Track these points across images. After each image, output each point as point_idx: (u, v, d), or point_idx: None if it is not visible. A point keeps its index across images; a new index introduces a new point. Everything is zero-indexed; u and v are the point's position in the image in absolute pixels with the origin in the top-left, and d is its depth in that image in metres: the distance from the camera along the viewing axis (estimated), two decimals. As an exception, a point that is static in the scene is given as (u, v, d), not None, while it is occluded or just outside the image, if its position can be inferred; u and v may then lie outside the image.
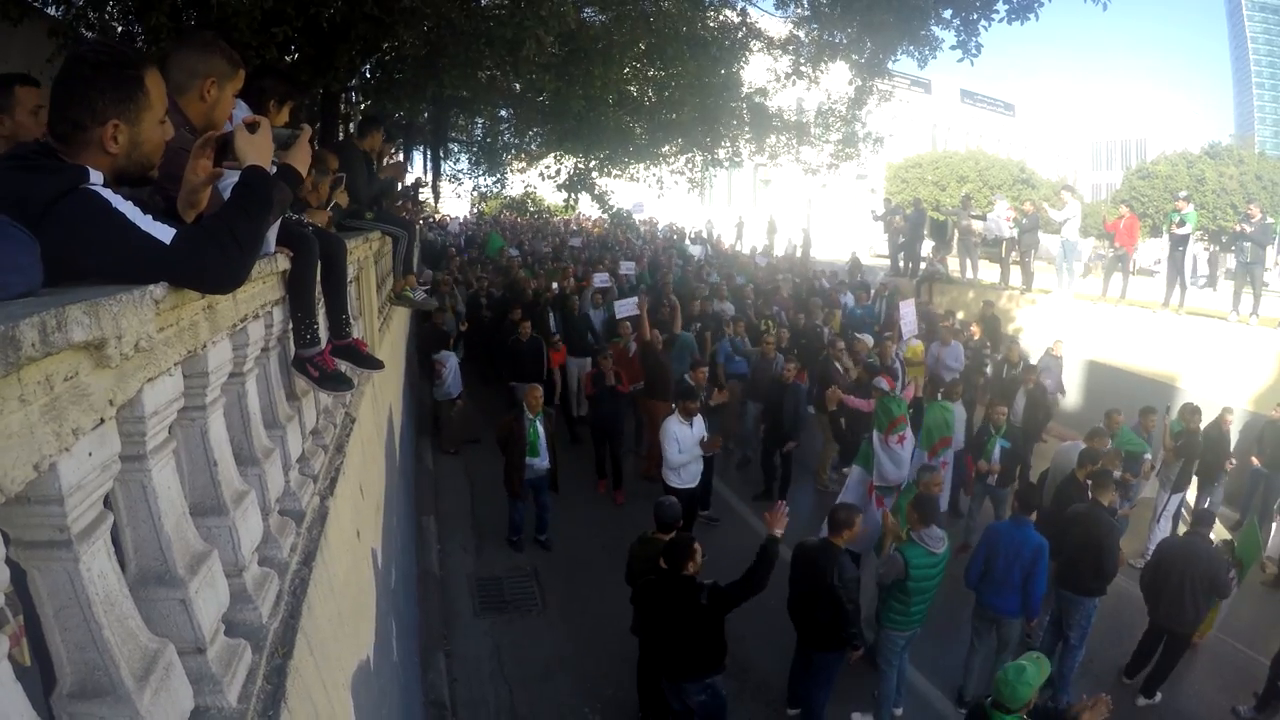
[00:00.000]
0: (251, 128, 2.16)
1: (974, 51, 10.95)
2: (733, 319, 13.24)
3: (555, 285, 14.83)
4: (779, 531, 5.40)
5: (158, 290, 1.53)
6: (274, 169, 2.22)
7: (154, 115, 1.81)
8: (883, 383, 8.49)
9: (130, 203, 1.63)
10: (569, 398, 12.70)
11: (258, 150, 2.12)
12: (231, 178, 2.05)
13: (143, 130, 1.78)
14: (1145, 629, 7.04)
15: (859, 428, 9.29)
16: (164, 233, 1.62)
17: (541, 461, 8.57)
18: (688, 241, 26.49)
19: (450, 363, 11.42)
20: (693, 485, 8.29)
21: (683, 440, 8.14)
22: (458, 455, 11.52)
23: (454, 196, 25.10)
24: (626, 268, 16.99)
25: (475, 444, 11.62)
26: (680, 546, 5.32)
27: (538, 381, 10.68)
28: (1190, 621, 6.70)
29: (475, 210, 31.45)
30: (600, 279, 14.71)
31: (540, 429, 8.52)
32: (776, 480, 10.15)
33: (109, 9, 8.28)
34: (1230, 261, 16.33)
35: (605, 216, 19.64)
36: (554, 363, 11.74)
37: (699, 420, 8.37)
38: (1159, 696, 6.86)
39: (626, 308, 11.61)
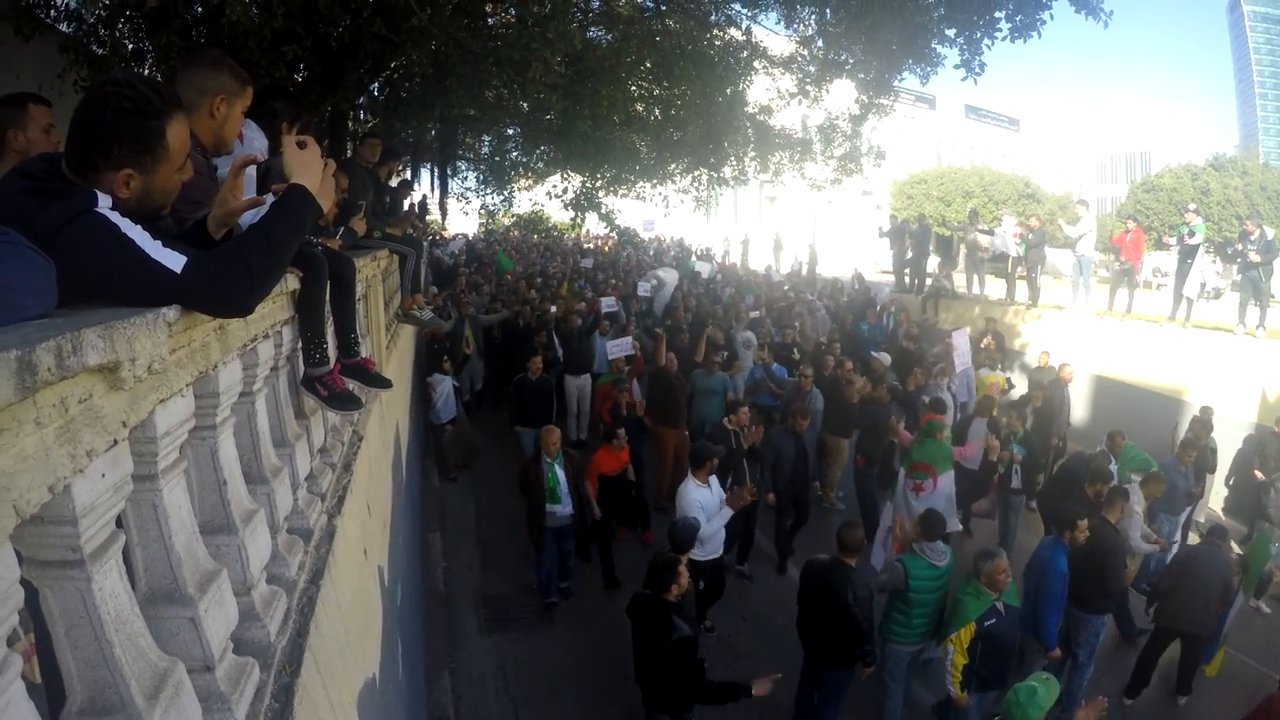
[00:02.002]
0: (301, 145, 2.13)
1: (977, 70, 11.01)
2: (754, 345, 12.46)
3: (553, 309, 13.94)
4: (759, 691, 5.10)
5: (170, 313, 1.54)
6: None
7: (172, 165, 1.78)
8: (935, 422, 7.88)
9: (139, 227, 1.61)
10: (566, 420, 11.92)
11: (306, 168, 2.09)
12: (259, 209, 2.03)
13: (157, 180, 1.76)
14: (1150, 640, 7.09)
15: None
16: (174, 260, 1.60)
17: (564, 508, 7.72)
18: (694, 259, 26.35)
19: (442, 387, 10.79)
20: (718, 555, 7.19)
21: (707, 506, 6.90)
22: (462, 472, 11.42)
23: (461, 214, 25.17)
24: (644, 289, 16.28)
25: (464, 469, 11.37)
26: (663, 568, 5.17)
27: (547, 423, 10.01)
28: (1208, 626, 6.84)
29: (482, 226, 31.46)
30: (607, 303, 13.80)
31: (560, 473, 7.69)
32: (792, 553, 8.96)
33: (120, 27, 8.38)
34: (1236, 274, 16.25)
35: (614, 235, 19.62)
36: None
37: (714, 478, 7.22)
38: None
39: (621, 347, 10.86)
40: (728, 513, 6.79)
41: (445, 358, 11.06)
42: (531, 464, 7.71)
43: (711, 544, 6.95)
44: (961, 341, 11.50)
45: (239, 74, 2.64)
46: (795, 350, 12.74)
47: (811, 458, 8.90)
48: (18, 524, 1.11)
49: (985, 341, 13.51)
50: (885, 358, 11.81)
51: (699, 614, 7.17)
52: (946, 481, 7.62)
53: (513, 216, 26.95)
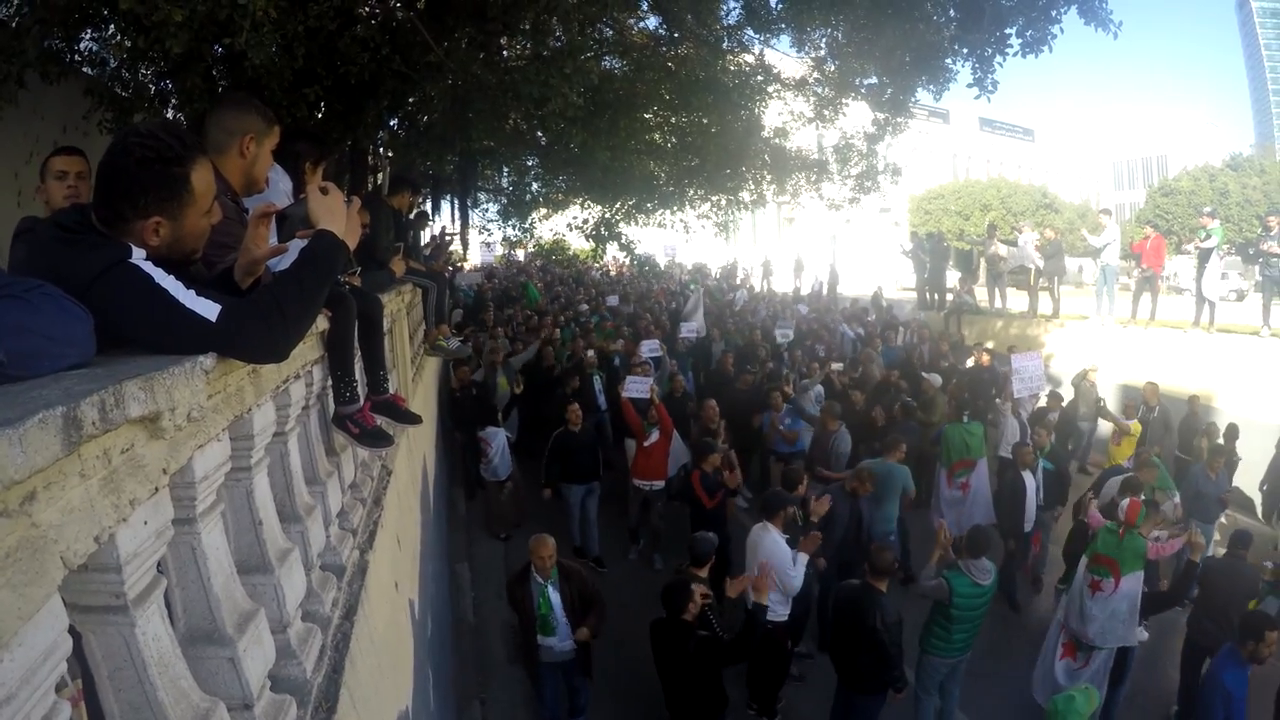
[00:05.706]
0: (323, 191, 2.16)
1: (990, 89, 10.99)
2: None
3: (590, 352, 12.42)
4: (761, 599, 5.12)
5: (208, 361, 1.57)
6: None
7: (199, 209, 1.80)
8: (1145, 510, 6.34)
9: (172, 277, 1.63)
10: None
11: (331, 214, 2.09)
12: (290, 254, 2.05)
13: (185, 225, 1.78)
14: (1183, 657, 6.88)
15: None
16: (208, 309, 1.61)
17: (560, 642, 6.02)
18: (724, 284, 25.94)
19: (497, 441, 9.79)
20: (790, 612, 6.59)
21: (797, 559, 6.32)
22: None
23: (483, 247, 25.29)
24: (687, 329, 14.86)
25: (519, 528, 10.13)
26: (677, 592, 5.22)
27: (595, 479, 9.29)
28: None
29: (501, 258, 31.55)
30: (649, 347, 12.21)
31: (554, 598, 5.94)
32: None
33: (144, 70, 8.54)
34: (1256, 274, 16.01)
35: (633, 262, 19.60)
36: None
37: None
38: None
39: (638, 388, 9.55)
40: (804, 558, 6.32)
41: (498, 411, 10.35)
42: (518, 583, 6.11)
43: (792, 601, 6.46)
44: (1024, 364, 10.10)
45: (265, 114, 2.71)
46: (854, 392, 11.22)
47: (866, 518, 7.77)
48: (65, 574, 1.12)
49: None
50: (936, 379, 11.30)
51: (772, 700, 6.78)
52: (1133, 583, 6.06)
53: (539, 245, 26.85)
